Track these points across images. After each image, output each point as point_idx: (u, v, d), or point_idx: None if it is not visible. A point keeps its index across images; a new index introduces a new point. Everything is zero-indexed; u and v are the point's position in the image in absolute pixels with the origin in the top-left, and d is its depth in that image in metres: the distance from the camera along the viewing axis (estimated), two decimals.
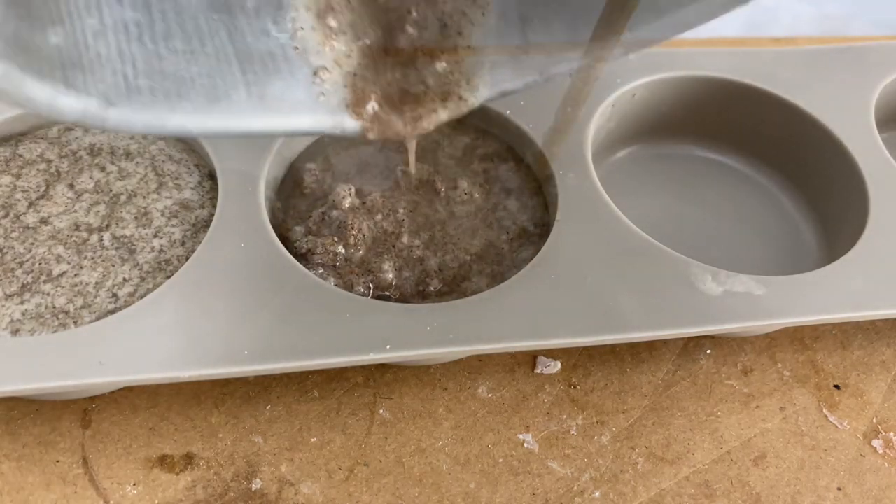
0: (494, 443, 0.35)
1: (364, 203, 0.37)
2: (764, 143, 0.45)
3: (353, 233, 0.36)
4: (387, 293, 0.35)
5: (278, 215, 0.36)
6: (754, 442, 0.36)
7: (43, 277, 0.33)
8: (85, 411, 0.34)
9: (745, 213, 0.44)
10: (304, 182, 0.39)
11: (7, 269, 0.33)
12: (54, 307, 0.32)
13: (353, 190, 0.38)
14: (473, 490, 0.33)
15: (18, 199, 0.35)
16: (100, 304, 0.32)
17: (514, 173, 0.40)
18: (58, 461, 0.33)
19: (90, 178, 0.37)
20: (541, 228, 0.38)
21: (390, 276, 0.35)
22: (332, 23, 0.30)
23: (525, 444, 0.35)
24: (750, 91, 0.44)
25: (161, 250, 0.34)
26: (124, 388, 0.35)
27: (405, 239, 0.36)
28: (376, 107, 0.30)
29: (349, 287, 0.34)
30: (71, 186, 0.36)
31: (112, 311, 0.32)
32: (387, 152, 0.41)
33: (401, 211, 0.37)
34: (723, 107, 0.44)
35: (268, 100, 0.29)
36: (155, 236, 0.35)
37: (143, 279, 0.33)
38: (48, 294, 0.32)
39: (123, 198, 0.36)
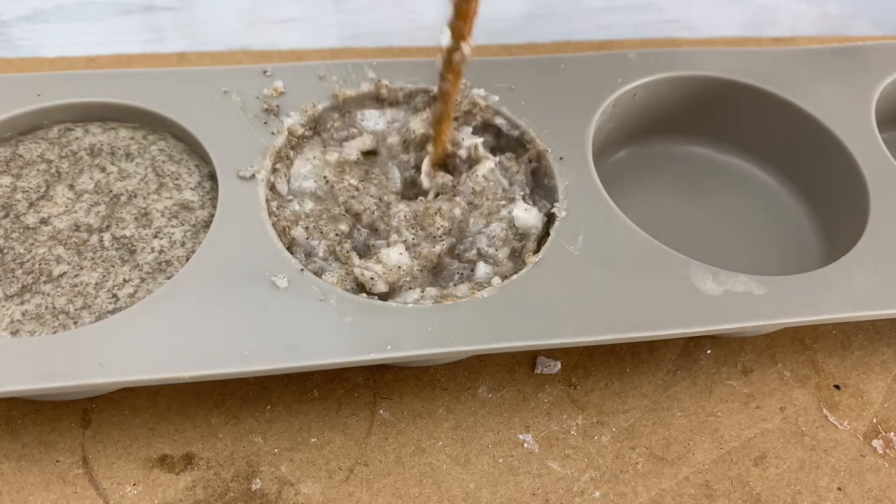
0: (494, 443, 0.35)
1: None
2: (764, 143, 0.45)
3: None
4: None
5: (278, 215, 0.36)
6: (754, 442, 0.36)
7: (43, 278, 0.33)
8: (85, 411, 0.34)
9: (745, 213, 0.44)
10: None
11: (7, 270, 0.33)
12: (54, 308, 0.32)
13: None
14: (473, 490, 0.33)
15: (18, 200, 0.35)
16: (100, 304, 0.32)
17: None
18: (58, 461, 0.33)
19: (90, 178, 0.37)
20: (541, 228, 0.38)
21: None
22: None
23: (525, 444, 0.35)
24: (750, 91, 0.44)
25: (161, 251, 0.34)
26: (124, 389, 0.35)
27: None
28: None
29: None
30: (71, 187, 0.36)
31: (112, 312, 0.32)
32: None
33: (401, 206, 0.37)
34: (723, 107, 0.44)
35: None
36: (155, 237, 0.35)
37: (143, 280, 0.33)
38: (48, 294, 0.32)
39: (124, 198, 0.36)
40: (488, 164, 0.39)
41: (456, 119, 0.40)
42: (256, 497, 0.33)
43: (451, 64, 0.34)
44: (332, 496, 0.33)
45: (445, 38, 0.34)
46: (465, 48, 0.34)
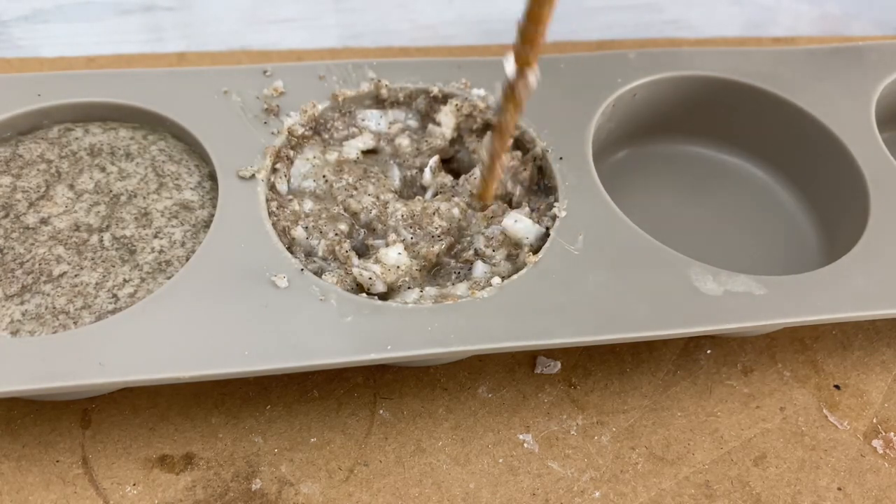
0: (494, 443, 0.35)
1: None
2: (764, 143, 0.45)
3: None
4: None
5: (278, 215, 0.36)
6: (754, 442, 0.36)
7: (43, 278, 0.33)
8: (85, 411, 0.34)
9: (745, 213, 0.44)
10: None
11: (7, 270, 0.33)
12: (54, 308, 0.32)
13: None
14: (473, 490, 0.33)
15: (18, 200, 0.35)
16: (100, 304, 0.32)
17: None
18: (58, 461, 0.33)
19: (90, 178, 0.37)
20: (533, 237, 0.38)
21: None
22: None
23: (525, 444, 0.35)
24: (750, 91, 0.44)
25: (161, 251, 0.34)
26: (124, 388, 0.35)
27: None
28: None
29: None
30: (71, 187, 0.36)
31: (112, 312, 0.32)
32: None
33: (398, 206, 0.37)
34: (723, 107, 0.44)
35: None
36: (155, 237, 0.35)
37: (143, 280, 0.33)
38: (48, 294, 0.32)
39: (124, 198, 0.36)
40: None
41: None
42: (256, 497, 0.33)
43: (513, 94, 0.31)
44: (332, 496, 0.33)
45: (510, 66, 0.30)
46: (531, 77, 0.30)
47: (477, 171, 0.38)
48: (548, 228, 0.36)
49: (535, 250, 0.36)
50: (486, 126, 0.41)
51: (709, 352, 0.39)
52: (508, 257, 0.37)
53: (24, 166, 0.37)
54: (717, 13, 0.60)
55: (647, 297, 0.34)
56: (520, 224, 0.36)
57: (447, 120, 0.41)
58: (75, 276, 0.33)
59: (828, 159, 0.42)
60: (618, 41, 0.56)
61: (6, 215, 0.35)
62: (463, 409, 0.36)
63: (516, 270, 0.35)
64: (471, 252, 0.37)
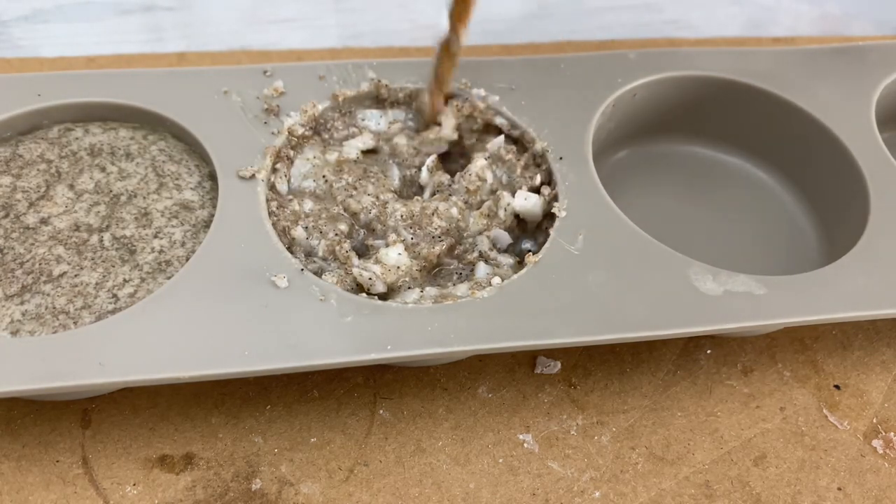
0: (494, 443, 0.35)
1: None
2: (764, 143, 0.45)
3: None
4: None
5: (278, 215, 0.36)
6: (754, 442, 0.36)
7: (43, 278, 0.33)
8: (85, 411, 0.35)
9: (745, 213, 0.44)
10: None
11: (7, 270, 0.33)
12: (54, 308, 0.32)
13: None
14: (473, 490, 0.33)
15: (18, 200, 0.35)
16: (100, 304, 0.32)
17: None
18: (58, 461, 0.33)
19: (90, 178, 0.37)
20: (541, 228, 0.38)
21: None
22: None
23: (525, 444, 0.35)
24: (750, 91, 0.44)
25: (161, 251, 0.34)
26: (124, 388, 0.35)
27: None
28: None
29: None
30: (71, 187, 0.36)
31: (112, 312, 0.32)
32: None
33: (397, 206, 0.37)
34: (723, 107, 0.44)
35: None
36: (155, 237, 0.35)
37: (143, 280, 0.33)
38: (48, 294, 0.32)
39: (124, 198, 0.36)
40: (480, 161, 0.39)
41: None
42: (256, 497, 0.33)
43: (447, 48, 0.38)
44: (332, 496, 0.33)
45: (445, 24, 0.37)
46: (462, 35, 0.37)
47: (472, 168, 0.39)
48: (548, 228, 0.37)
49: (536, 250, 0.36)
50: (487, 126, 0.41)
51: (709, 352, 0.39)
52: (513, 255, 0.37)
53: (24, 166, 0.37)
54: (717, 13, 0.60)
55: (647, 296, 0.34)
56: (529, 201, 0.37)
57: (447, 120, 0.41)
58: (75, 276, 0.33)
59: (828, 159, 0.42)
60: (618, 41, 0.56)
61: (6, 215, 0.35)
62: (463, 409, 0.36)
63: (517, 270, 0.35)
64: (475, 254, 0.37)
